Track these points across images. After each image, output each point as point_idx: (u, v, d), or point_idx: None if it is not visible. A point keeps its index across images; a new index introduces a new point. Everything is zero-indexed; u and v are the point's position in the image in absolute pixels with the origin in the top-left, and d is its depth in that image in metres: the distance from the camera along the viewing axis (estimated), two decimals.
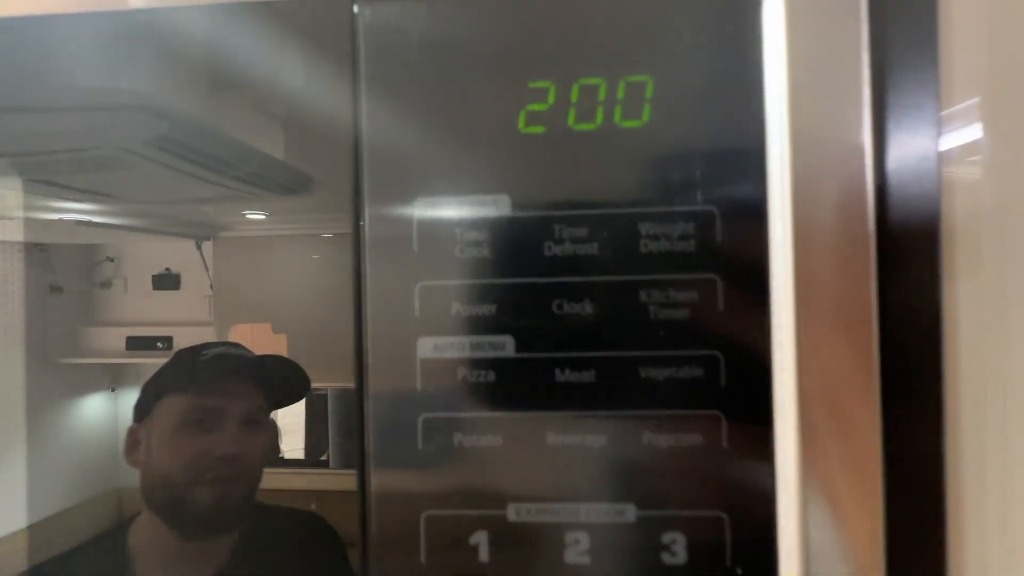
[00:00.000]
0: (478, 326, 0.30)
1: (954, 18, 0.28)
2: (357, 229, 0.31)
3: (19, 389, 0.37)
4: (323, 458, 0.39)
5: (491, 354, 0.30)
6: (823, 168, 0.28)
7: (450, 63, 0.31)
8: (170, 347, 0.37)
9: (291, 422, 0.37)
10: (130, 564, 0.35)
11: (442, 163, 0.31)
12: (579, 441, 0.30)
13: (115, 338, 0.39)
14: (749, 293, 0.28)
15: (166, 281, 0.37)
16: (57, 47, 0.34)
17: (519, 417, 0.30)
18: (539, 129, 0.30)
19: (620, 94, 0.30)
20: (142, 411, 0.35)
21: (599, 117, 0.30)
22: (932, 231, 0.28)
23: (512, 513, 0.30)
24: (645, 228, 0.29)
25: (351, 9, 0.31)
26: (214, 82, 0.33)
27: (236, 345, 0.35)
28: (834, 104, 0.28)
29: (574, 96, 0.30)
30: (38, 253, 0.37)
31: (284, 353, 0.34)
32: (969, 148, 0.28)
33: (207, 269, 0.36)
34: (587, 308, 0.30)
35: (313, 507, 0.34)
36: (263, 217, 0.36)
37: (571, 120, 0.30)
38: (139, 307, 0.38)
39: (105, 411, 0.37)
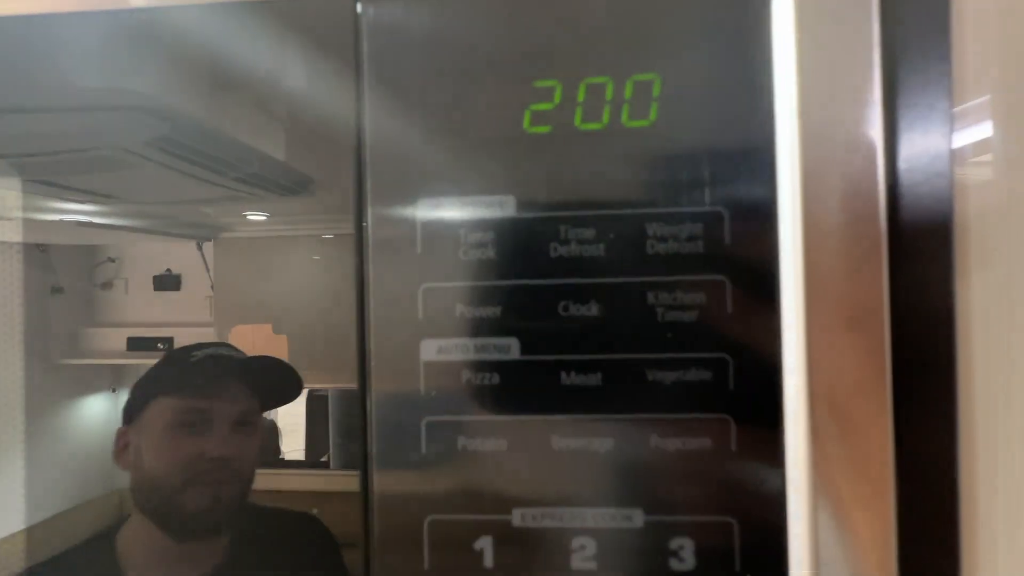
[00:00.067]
0: (483, 328, 0.30)
1: (965, 16, 0.28)
2: (360, 230, 0.31)
3: (18, 390, 0.37)
4: (323, 459, 0.39)
5: (496, 356, 0.30)
6: (833, 167, 0.27)
7: (454, 62, 0.31)
8: (171, 348, 0.36)
9: (291, 423, 0.37)
10: (120, 566, 0.35)
11: (446, 163, 0.30)
12: (585, 445, 0.29)
13: (116, 339, 0.39)
14: (758, 294, 0.28)
15: (167, 282, 0.37)
16: (58, 47, 0.34)
17: (524, 420, 0.30)
18: (544, 129, 0.30)
19: (627, 93, 0.29)
20: (132, 413, 0.35)
21: (606, 116, 0.30)
22: (944, 231, 0.28)
23: (517, 518, 0.30)
24: (652, 229, 0.29)
25: (354, 8, 0.31)
26: (215, 82, 0.33)
27: (227, 346, 0.34)
28: (845, 102, 0.27)
29: (580, 95, 0.30)
30: (39, 254, 0.37)
31: (285, 354, 0.34)
32: (980, 146, 0.28)
33: (208, 270, 0.36)
34: (593, 310, 0.29)
35: (315, 511, 0.34)
36: (264, 218, 0.36)
37: (577, 120, 0.30)
38: (140, 308, 0.38)
39: (106, 412, 0.37)
